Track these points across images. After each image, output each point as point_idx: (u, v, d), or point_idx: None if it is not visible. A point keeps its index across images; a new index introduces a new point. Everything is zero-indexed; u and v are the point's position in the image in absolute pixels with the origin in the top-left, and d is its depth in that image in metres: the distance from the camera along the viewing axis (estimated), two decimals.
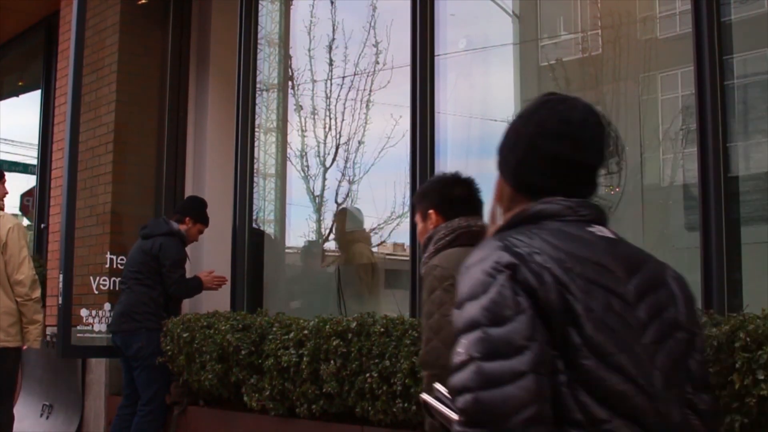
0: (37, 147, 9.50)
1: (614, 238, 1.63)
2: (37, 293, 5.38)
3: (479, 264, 1.50)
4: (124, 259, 6.12)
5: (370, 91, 5.93)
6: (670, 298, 1.61)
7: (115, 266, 6.35)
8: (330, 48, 6.22)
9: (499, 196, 1.72)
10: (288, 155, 6.53)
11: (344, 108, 6.07)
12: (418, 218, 3.25)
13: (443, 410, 1.61)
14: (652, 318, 1.56)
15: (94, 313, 6.20)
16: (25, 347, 5.44)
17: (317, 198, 6.28)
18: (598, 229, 1.62)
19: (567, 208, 1.60)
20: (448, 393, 1.55)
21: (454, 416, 1.47)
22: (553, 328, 1.45)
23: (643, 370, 1.50)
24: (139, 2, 7.02)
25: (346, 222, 6.22)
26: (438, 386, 1.66)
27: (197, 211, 5.92)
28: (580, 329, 1.46)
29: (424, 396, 1.68)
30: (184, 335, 5.35)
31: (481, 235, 2.71)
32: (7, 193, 5.77)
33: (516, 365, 1.40)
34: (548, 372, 1.43)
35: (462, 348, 1.46)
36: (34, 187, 9.62)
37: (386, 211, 5.74)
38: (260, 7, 6.57)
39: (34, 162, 9.70)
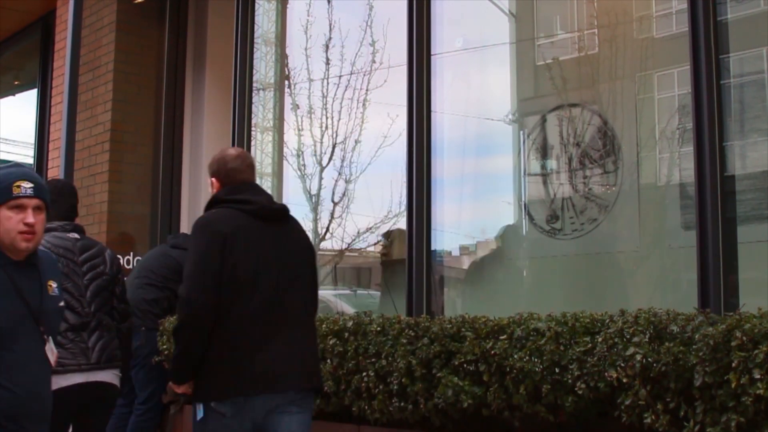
0: (33, 146, 9.48)
1: (79, 238, 3.86)
2: None
3: None
4: (121, 258, 6.09)
5: (367, 90, 5.93)
6: (102, 263, 3.85)
7: None
8: (326, 47, 6.22)
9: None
10: (284, 154, 6.52)
11: (341, 107, 6.06)
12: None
13: None
14: (90, 270, 3.79)
15: None
16: None
17: (314, 197, 6.28)
18: (74, 235, 3.84)
19: (59, 226, 3.80)
20: None
21: None
22: None
23: (78, 291, 3.71)
24: (136, 1, 7.02)
25: None
26: None
27: None
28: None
29: None
30: None
31: None
32: None
33: None
34: None
35: None
36: None
37: (383, 210, 5.73)
38: (257, 6, 6.57)
39: (31, 161, 9.68)
